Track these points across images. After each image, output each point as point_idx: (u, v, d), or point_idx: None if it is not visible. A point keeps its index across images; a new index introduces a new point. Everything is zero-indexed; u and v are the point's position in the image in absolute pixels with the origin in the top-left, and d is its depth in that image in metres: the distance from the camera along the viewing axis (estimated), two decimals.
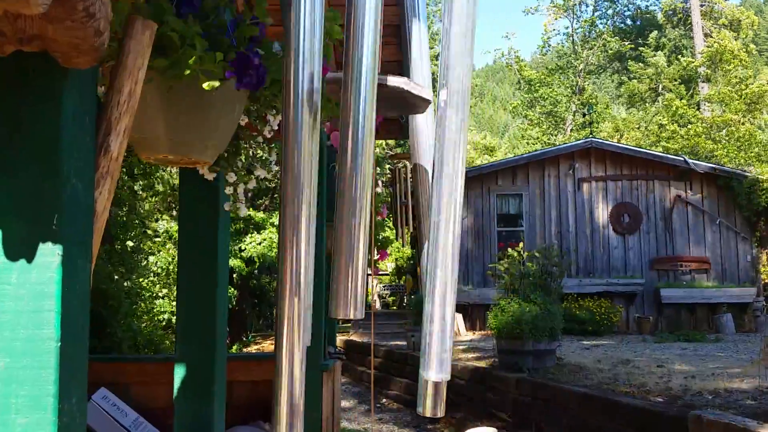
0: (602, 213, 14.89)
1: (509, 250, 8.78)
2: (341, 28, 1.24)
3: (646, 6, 40.88)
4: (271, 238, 14.35)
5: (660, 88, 30.36)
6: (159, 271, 10.59)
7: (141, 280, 9.51)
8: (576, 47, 33.73)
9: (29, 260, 0.85)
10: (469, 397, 8.30)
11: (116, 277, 7.50)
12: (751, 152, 21.88)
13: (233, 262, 14.51)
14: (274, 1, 1.52)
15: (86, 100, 0.88)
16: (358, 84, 1.16)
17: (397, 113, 1.44)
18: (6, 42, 0.78)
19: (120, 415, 3.95)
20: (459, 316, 13.45)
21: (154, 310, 9.77)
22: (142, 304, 9.35)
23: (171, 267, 10.37)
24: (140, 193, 9.06)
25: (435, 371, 1.18)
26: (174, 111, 1.08)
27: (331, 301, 1.13)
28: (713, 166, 15.60)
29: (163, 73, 0.97)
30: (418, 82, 1.50)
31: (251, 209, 14.84)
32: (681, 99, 27.05)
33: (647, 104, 31.19)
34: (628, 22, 36.06)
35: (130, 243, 8.72)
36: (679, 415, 5.06)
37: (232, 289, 15.70)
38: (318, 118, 1.09)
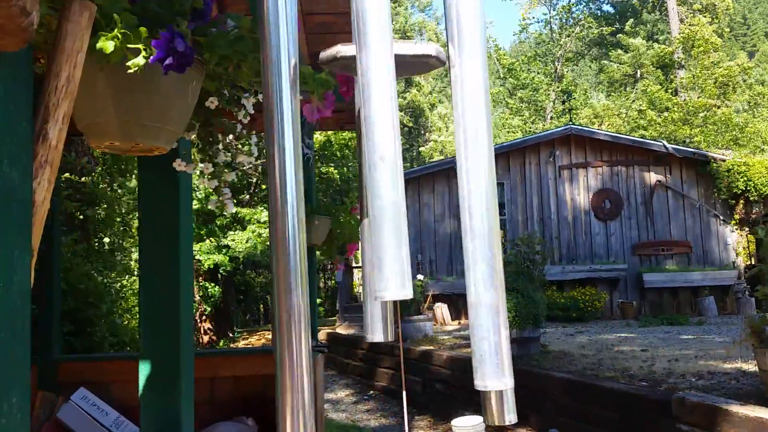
0: (584, 200, 14.95)
1: None
2: None
3: None
4: (257, 234, 14.23)
5: (639, 75, 30.51)
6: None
7: (120, 278, 9.42)
8: (554, 34, 33.81)
9: None
10: (454, 386, 8.30)
11: (96, 275, 7.41)
12: (729, 135, 22.07)
13: (218, 259, 14.40)
14: None
15: (20, 84, 0.82)
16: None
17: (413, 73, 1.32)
18: None
19: (100, 414, 3.89)
20: (444, 306, 13.49)
21: (136, 308, 9.68)
22: (123, 303, 9.26)
23: None
24: (118, 190, 8.95)
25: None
26: (116, 94, 1.02)
27: (378, 282, 0.96)
28: (692, 150, 15.70)
29: (91, 54, 0.91)
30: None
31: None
32: (660, 85, 27.21)
33: (627, 90, 31.33)
34: (604, 8, 36.19)
35: (107, 240, 8.62)
36: (663, 398, 5.08)
37: (217, 287, 15.60)
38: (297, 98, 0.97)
